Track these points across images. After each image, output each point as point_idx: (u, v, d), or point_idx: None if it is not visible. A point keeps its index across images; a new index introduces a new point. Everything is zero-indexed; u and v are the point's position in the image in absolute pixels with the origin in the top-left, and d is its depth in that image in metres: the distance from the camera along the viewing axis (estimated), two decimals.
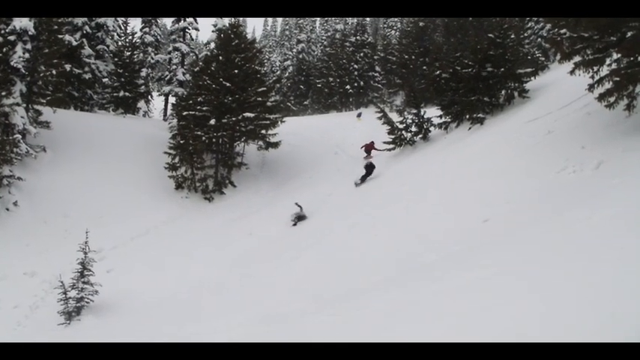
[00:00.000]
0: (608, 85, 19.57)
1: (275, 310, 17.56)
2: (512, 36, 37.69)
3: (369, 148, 38.27)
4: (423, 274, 15.87)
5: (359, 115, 60.45)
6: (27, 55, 36.56)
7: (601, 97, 19.59)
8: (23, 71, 36.52)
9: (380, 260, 20.11)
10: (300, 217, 30.21)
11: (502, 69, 33.13)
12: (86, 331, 22.99)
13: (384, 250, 20.99)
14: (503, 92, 33.75)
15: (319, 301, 16.98)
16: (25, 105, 37.27)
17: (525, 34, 61.26)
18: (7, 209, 32.70)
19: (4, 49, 36.20)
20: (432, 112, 37.21)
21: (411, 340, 9.49)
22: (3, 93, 34.45)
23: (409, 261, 18.72)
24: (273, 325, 15.60)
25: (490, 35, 34.60)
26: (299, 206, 30.60)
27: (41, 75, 38.13)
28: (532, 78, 33.48)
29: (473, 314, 9.70)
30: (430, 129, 36.92)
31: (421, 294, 13.06)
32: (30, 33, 36.49)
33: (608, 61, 20.12)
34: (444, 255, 17.70)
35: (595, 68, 20.24)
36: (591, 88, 20.28)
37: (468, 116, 34.03)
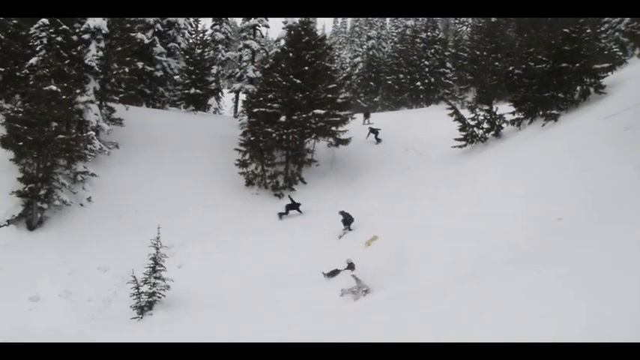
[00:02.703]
0: None
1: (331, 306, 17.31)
2: (588, 30, 36.47)
3: None
4: (501, 272, 15.47)
5: (367, 117, 56.24)
6: (100, 53, 37.10)
7: None
8: (97, 69, 37.07)
9: (454, 258, 19.72)
10: (347, 222, 30.22)
11: (577, 64, 32.09)
12: (158, 326, 23.12)
13: (453, 249, 20.58)
14: (578, 88, 32.66)
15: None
16: (98, 102, 37.87)
17: (602, 28, 59.54)
18: (82, 205, 33.24)
19: (79, 48, 36.80)
20: (504, 109, 36.30)
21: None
22: (77, 91, 35.04)
23: (483, 260, 18.30)
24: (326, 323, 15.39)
25: (565, 30, 33.53)
26: (344, 215, 30.31)
27: (114, 73, 38.64)
28: (609, 73, 32.27)
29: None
30: (502, 125, 36.06)
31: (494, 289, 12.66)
32: (103, 31, 37.02)
33: None
34: (520, 254, 17.22)
35: None
36: None
37: (541, 112, 33.11)
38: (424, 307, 13.99)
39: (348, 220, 30.12)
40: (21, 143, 31.17)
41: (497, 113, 36.04)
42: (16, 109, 33.16)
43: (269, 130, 39.40)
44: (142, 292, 25.27)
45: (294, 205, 34.55)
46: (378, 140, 45.79)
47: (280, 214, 34.23)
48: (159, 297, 25.59)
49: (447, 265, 19.52)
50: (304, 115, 39.67)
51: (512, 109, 35.20)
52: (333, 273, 24.96)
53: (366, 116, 55.42)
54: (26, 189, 31.02)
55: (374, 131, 45.38)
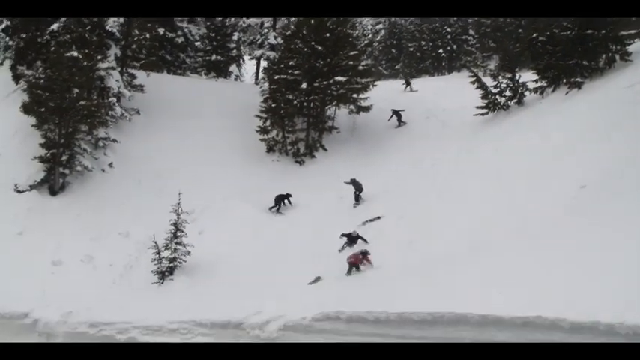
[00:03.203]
0: None
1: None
2: None
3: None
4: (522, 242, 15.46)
5: (408, 84, 52.54)
6: (121, 20, 36.96)
7: None
8: (118, 35, 37.03)
9: (475, 229, 19.70)
10: (357, 196, 30.17)
11: (603, 31, 31.51)
12: (178, 291, 23.32)
13: (477, 219, 20.53)
14: (603, 56, 32.07)
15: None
16: (119, 69, 37.87)
17: None
18: (103, 170, 33.40)
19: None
20: (527, 77, 35.80)
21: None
22: (98, 57, 35.01)
23: (504, 227, 18.28)
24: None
25: None
26: (355, 185, 30.35)
27: (135, 39, 38.61)
28: (635, 40, 31.74)
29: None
30: (525, 93, 35.55)
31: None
32: None
33: None
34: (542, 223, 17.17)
35: None
36: None
37: (565, 80, 32.52)
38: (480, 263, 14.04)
39: (358, 188, 30.13)
40: (43, 109, 31.32)
41: (520, 81, 35.61)
42: (37, 75, 33.35)
43: (290, 97, 39.21)
44: (163, 258, 25.49)
45: (284, 197, 32.15)
46: (401, 123, 41.86)
47: (271, 208, 31.93)
48: (179, 262, 25.79)
49: (471, 232, 19.51)
50: (325, 82, 39.37)
51: (536, 76, 34.70)
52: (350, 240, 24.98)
53: (407, 83, 52.51)
54: (48, 155, 31.20)
55: (397, 113, 41.97)
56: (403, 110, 41.17)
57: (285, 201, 31.38)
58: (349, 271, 21.46)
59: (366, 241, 24.57)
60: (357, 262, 21.50)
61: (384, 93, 43.55)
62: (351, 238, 25.46)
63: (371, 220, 26.72)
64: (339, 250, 25.44)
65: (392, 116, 41.59)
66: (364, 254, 21.79)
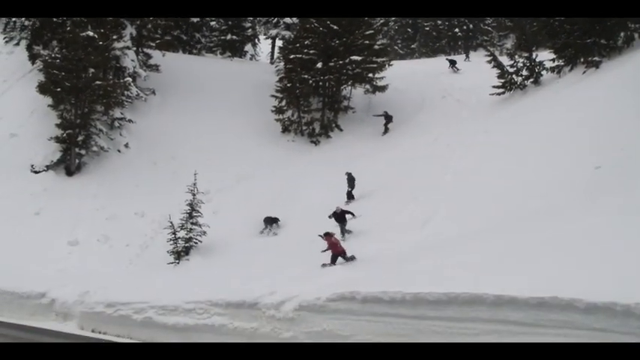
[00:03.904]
0: None
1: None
2: None
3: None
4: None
5: (453, 64, 50.04)
6: None
7: None
8: None
9: (490, 209, 19.63)
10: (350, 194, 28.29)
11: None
12: (194, 271, 23.38)
13: (493, 199, 20.44)
14: (622, 34, 31.77)
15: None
16: (135, 48, 37.88)
17: None
18: (119, 151, 33.52)
19: None
20: (544, 56, 35.49)
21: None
22: (114, 37, 35.04)
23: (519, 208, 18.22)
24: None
25: None
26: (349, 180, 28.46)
27: (150, 18, 38.47)
28: None
29: None
30: (542, 73, 35.28)
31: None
32: None
33: None
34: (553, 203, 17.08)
35: None
36: None
37: (582, 59, 32.25)
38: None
39: (351, 184, 28.32)
40: (59, 89, 31.47)
41: (537, 60, 35.31)
42: (53, 55, 33.38)
43: (305, 76, 39.11)
44: (179, 238, 25.58)
45: (273, 220, 28.19)
46: (386, 130, 38.28)
47: (262, 231, 28.04)
48: (195, 242, 25.88)
49: (486, 212, 19.44)
50: (341, 62, 39.24)
51: (553, 56, 34.41)
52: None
53: (452, 63, 50.39)
54: (64, 135, 31.33)
55: (387, 117, 38.27)
56: (392, 116, 38.26)
57: (274, 224, 28.03)
58: (333, 261, 19.69)
59: (353, 214, 23.92)
60: (339, 250, 19.63)
61: (400, 72, 43.25)
62: (338, 217, 23.99)
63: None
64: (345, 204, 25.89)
65: (381, 116, 38.46)
66: (327, 236, 20.01)
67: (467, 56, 49.79)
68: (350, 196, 28.20)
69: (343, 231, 23.80)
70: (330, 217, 24.18)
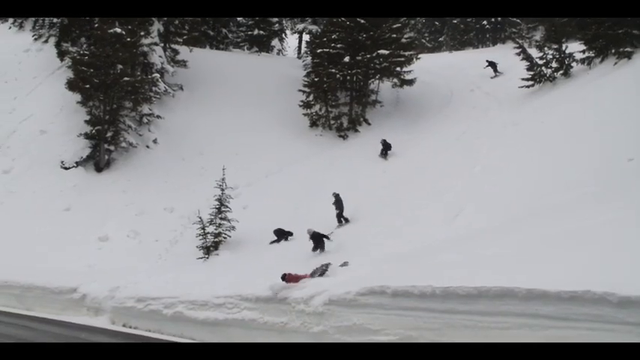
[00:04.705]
0: None
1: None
2: None
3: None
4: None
5: (494, 67, 44.50)
6: None
7: None
8: None
9: (519, 202, 19.40)
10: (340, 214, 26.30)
11: None
12: (223, 266, 23.34)
13: (523, 193, 20.20)
14: None
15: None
16: (162, 44, 37.97)
17: None
18: (147, 146, 33.64)
19: None
20: (574, 47, 35.00)
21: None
22: (142, 33, 35.14)
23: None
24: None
25: None
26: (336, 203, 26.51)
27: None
28: None
29: None
30: (572, 65, 34.75)
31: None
32: None
33: None
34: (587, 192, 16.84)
35: None
36: None
37: (613, 50, 31.69)
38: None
39: (339, 207, 26.36)
40: (87, 86, 31.64)
41: (567, 52, 34.85)
42: (82, 52, 33.57)
43: (333, 70, 38.97)
44: (208, 233, 25.57)
45: (285, 233, 26.55)
46: (384, 155, 34.30)
47: (272, 242, 26.38)
48: (224, 237, 25.88)
49: (515, 205, 19.21)
50: (368, 56, 39.07)
51: (583, 47, 33.92)
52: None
53: (493, 65, 44.38)
54: (93, 131, 31.56)
55: (386, 145, 34.48)
56: (390, 144, 34.28)
57: (288, 237, 26.36)
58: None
59: (327, 237, 22.40)
60: (298, 279, 15.98)
61: (428, 66, 42.96)
62: (315, 239, 22.33)
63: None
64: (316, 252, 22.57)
65: (383, 147, 34.45)
66: (286, 279, 16.05)
67: (495, 70, 44.08)
68: (340, 220, 26.30)
69: (316, 248, 22.40)
70: (311, 237, 22.46)
